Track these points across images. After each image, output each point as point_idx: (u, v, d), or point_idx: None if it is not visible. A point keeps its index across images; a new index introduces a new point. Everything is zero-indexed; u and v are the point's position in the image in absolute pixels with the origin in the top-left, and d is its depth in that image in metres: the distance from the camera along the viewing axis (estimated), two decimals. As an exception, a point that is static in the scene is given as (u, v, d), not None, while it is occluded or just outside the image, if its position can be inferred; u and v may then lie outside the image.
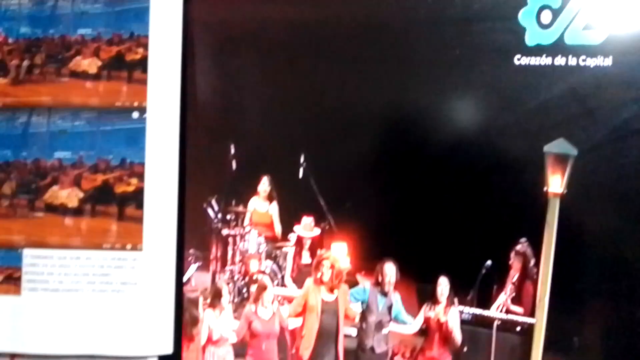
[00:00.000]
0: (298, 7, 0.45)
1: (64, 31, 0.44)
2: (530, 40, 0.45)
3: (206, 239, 0.45)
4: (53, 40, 0.45)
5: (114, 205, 0.43)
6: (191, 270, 0.44)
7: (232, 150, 0.45)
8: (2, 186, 0.44)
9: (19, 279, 0.44)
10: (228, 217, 0.45)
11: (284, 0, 0.45)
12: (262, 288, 0.45)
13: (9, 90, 0.45)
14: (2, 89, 0.45)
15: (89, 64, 0.44)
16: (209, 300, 0.44)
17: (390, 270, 0.43)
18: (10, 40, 0.46)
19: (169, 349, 0.43)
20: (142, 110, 0.43)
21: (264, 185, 0.45)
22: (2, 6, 0.46)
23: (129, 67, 0.44)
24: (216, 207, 0.46)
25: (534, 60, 0.45)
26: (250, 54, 0.45)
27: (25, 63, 0.45)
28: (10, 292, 0.43)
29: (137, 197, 0.43)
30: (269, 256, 0.45)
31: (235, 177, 0.45)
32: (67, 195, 0.43)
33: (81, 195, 0.43)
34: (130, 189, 0.43)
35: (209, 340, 0.44)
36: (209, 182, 0.45)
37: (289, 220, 0.45)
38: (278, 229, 0.45)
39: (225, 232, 0.45)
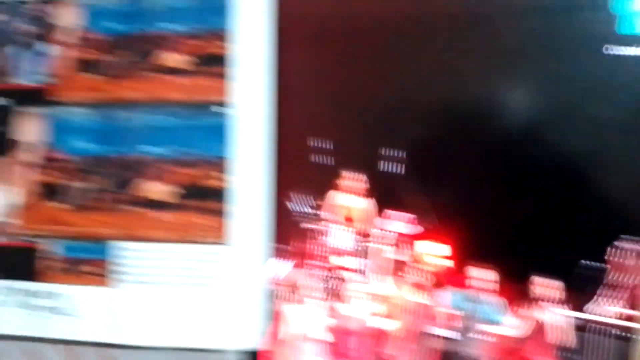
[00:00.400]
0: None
1: (150, 27, 0.45)
2: (622, 29, 0.44)
3: (293, 233, 0.45)
4: (140, 36, 0.46)
5: (202, 199, 0.44)
6: (277, 265, 0.44)
7: (323, 144, 0.45)
8: (91, 180, 0.45)
9: (107, 271, 0.45)
10: (315, 211, 0.45)
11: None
12: (349, 285, 0.44)
13: (99, 86, 0.46)
14: (93, 85, 0.46)
15: (175, 59, 0.45)
16: (294, 296, 0.44)
17: (486, 273, 0.41)
18: (100, 37, 0.47)
19: (255, 343, 0.44)
20: (230, 105, 0.44)
21: (355, 179, 0.45)
22: (92, 4, 0.47)
23: (216, 62, 0.44)
24: (304, 202, 0.46)
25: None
26: (340, 47, 0.45)
27: (114, 59, 0.46)
28: (99, 283, 0.45)
29: (224, 192, 0.44)
30: (357, 252, 0.44)
31: (324, 171, 0.45)
32: (155, 189, 0.44)
33: (169, 189, 0.44)
34: (218, 183, 0.44)
35: (294, 335, 0.44)
36: (298, 176, 0.45)
37: (380, 216, 0.44)
38: (369, 225, 0.44)
39: (312, 226, 0.45)
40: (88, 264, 0.45)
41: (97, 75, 0.46)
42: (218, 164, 0.44)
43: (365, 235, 0.46)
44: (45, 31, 0.47)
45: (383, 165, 0.46)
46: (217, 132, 0.44)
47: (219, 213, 0.44)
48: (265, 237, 0.43)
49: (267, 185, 0.43)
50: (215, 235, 0.44)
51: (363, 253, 0.47)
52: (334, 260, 0.47)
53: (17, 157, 0.47)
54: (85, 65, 0.46)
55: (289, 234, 0.47)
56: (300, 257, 0.48)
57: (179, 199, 0.44)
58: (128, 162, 0.45)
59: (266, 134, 0.43)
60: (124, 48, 0.46)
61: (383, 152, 0.45)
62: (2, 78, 0.48)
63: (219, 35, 0.44)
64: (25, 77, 0.47)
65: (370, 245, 0.46)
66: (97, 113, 0.46)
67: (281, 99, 0.44)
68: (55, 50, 0.46)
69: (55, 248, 0.46)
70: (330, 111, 0.47)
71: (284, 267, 0.46)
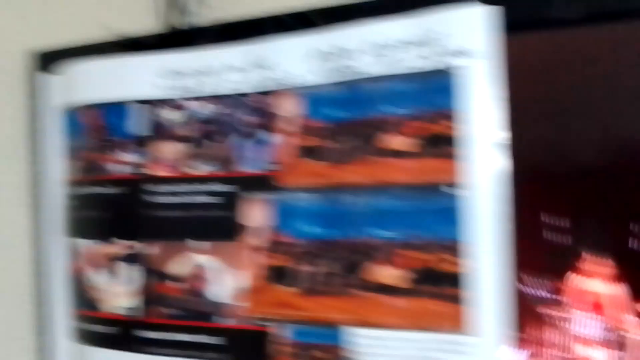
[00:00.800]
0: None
1: (371, 111, 0.46)
2: None
3: (529, 320, 0.42)
4: (361, 121, 0.47)
5: (436, 284, 0.42)
6: (514, 355, 0.41)
7: (560, 223, 0.42)
8: (319, 264, 0.46)
9: (339, 357, 0.45)
10: (554, 296, 0.41)
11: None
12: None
13: (323, 172, 0.48)
14: (316, 171, 0.48)
15: (400, 141, 0.46)
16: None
17: None
18: (321, 124, 0.49)
19: None
20: (460, 186, 0.43)
21: (599, 262, 0.41)
22: (311, 93, 0.49)
23: (444, 142, 0.44)
24: (541, 285, 0.43)
25: None
26: (577, 121, 0.43)
27: (336, 145, 0.48)
28: (338, 370, 0.45)
29: (460, 277, 0.42)
30: (609, 344, 0.40)
31: (561, 251, 0.42)
32: (386, 273, 0.44)
33: (401, 273, 0.43)
34: (453, 267, 0.42)
35: None
36: (533, 257, 0.43)
37: (633, 303, 0.40)
38: (621, 312, 0.40)
39: (551, 312, 0.41)
40: (319, 350, 0.46)
41: (320, 161, 0.47)
42: (451, 247, 0.42)
43: (618, 325, 0.42)
44: (267, 121, 0.50)
45: (633, 244, 0.42)
46: (448, 215, 0.43)
47: (455, 299, 0.42)
48: (504, 325, 0.41)
49: (504, 268, 0.41)
50: (453, 324, 0.42)
51: (617, 345, 0.42)
52: (580, 350, 0.43)
53: (245, 241, 0.49)
54: (308, 152, 0.48)
55: (525, 320, 0.44)
56: (539, 346, 0.44)
57: (411, 284, 0.43)
58: (356, 245, 0.45)
59: (500, 215, 0.41)
60: (346, 134, 0.47)
61: (633, 229, 0.41)
62: (228, 166, 0.52)
63: (446, 115, 0.43)
64: (250, 165, 0.50)
65: (628, 335, 0.42)
66: (321, 197, 0.47)
67: (514, 177, 0.42)
68: (277, 138, 0.49)
69: (286, 332, 0.47)
70: (566, 186, 0.45)
71: (521, 357, 0.44)
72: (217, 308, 0.49)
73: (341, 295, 0.45)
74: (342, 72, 0.47)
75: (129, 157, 0.55)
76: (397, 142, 0.45)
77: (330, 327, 0.45)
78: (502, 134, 0.42)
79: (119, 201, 0.54)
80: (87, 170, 0.56)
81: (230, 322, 0.48)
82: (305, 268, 0.47)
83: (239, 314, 0.48)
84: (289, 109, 0.49)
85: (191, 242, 0.51)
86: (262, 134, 0.50)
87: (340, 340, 0.44)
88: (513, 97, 0.42)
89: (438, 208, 0.43)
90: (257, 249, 0.49)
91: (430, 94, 0.44)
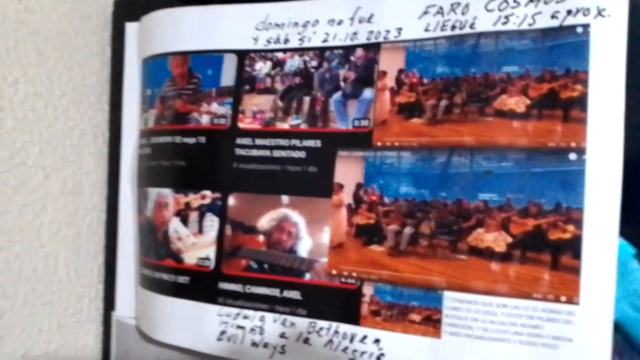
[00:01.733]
0: None
1: (487, 69, 0.43)
2: None
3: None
4: (475, 79, 0.45)
5: (547, 252, 0.40)
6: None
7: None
8: (420, 226, 0.45)
9: (439, 321, 0.43)
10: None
11: None
12: None
13: (425, 130, 0.46)
14: (417, 129, 0.47)
15: (516, 102, 0.44)
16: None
17: None
18: (425, 81, 0.47)
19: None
20: (581, 151, 0.41)
21: None
22: (417, 47, 0.48)
23: (564, 105, 0.42)
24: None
25: None
26: None
27: (444, 103, 0.46)
28: (429, 334, 0.43)
29: (573, 245, 0.40)
30: None
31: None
32: (493, 239, 0.42)
33: (509, 240, 0.41)
34: (567, 236, 0.40)
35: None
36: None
37: None
38: None
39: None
40: (415, 312, 0.44)
41: (422, 120, 0.46)
42: (567, 214, 0.40)
43: None
44: (368, 76, 0.48)
45: None
46: (566, 180, 0.41)
47: (567, 269, 0.40)
48: (611, 295, 0.39)
49: (615, 238, 0.38)
50: (564, 293, 0.40)
51: None
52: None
53: (335, 198, 0.48)
54: (411, 110, 0.47)
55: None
56: None
57: (520, 251, 0.41)
58: (462, 209, 0.43)
59: (618, 182, 0.39)
60: (454, 92, 0.45)
61: None
62: (321, 122, 0.50)
63: (568, 76, 0.41)
64: (345, 121, 0.49)
65: None
66: (420, 156, 0.46)
67: (630, 143, 0.40)
68: (379, 95, 0.48)
69: (380, 293, 0.46)
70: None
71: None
72: (302, 263, 0.47)
73: (441, 259, 0.42)
74: (457, 28, 0.46)
75: (217, 108, 0.54)
76: (514, 102, 0.43)
77: (429, 290, 0.43)
78: (624, 100, 0.40)
79: (204, 151, 0.53)
80: (174, 119, 0.55)
81: (316, 279, 0.47)
82: (401, 229, 0.45)
83: (325, 271, 0.47)
84: (393, 64, 0.48)
85: (278, 197, 0.49)
86: (361, 90, 0.49)
87: (439, 304, 0.43)
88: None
89: (553, 172, 0.41)
90: (347, 207, 0.48)
91: (555, 53, 0.42)
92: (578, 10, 0.42)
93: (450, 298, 0.42)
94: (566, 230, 0.40)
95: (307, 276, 0.48)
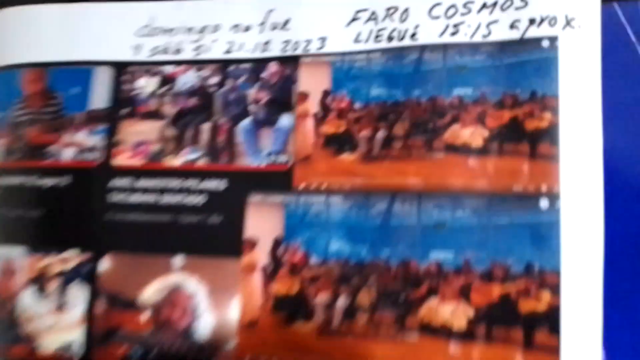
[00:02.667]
0: None
1: (434, 92, 0.34)
2: None
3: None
4: (419, 104, 0.36)
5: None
6: None
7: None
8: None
9: None
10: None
11: None
12: None
13: (360, 169, 0.36)
14: (349, 167, 0.36)
15: (471, 134, 0.35)
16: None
17: None
18: (357, 106, 0.38)
19: None
20: (554, 197, 0.32)
21: None
22: (345, 63, 0.38)
23: (531, 138, 0.33)
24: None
25: None
26: None
27: (381, 134, 0.37)
28: None
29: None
30: None
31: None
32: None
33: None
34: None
35: None
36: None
37: None
38: None
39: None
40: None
41: (355, 155, 0.36)
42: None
43: None
44: (284, 98, 0.39)
45: None
46: (536, 235, 0.33)
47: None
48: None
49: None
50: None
51: None
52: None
53: (250, 260, 0.37)
54: (340, 143, 0.36)
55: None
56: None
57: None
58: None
59: (599, 236, 0.32)
60: (394, 120, 0.37)
61: None
62: (226, 157, 0.39)
63: (534, 102, 0.34)
64: (262, 158, 0.38)
65: None
66: (357, 203, 0.36)
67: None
68: (300, 123, 0.38)
69: None
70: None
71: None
72: (203, 350, 0.36)
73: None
74: (395, 39, 0.37)
75: (85, 138, 0.42)
76: (469, 134, 0.34)
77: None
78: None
79: (67, 197, 0.40)
80: (25, 153, 0.42)
81: None
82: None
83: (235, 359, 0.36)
84: (316, 83, 0.38)
85: (168, 258, 0.38)
86: (277, 115, 0.39)
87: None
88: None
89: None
90: (263, 270, 0.37)
91: (517, 73, 0.34)
92: (543, 20, 0.34)
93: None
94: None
95: None
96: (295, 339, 0.35)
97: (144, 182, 0.40)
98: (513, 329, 0.32)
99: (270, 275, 0.36)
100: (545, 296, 0.32)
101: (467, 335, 0.32)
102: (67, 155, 0.41)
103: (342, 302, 0.35)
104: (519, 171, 0.33)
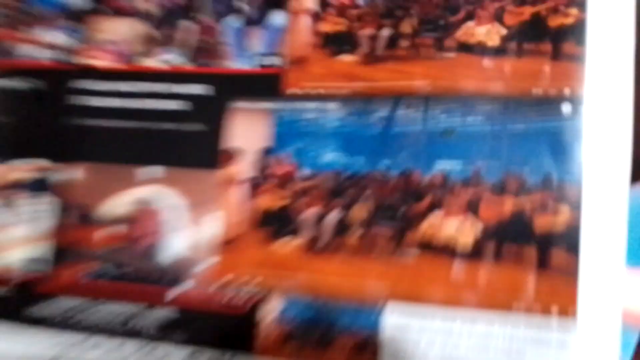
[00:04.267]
0: None
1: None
2: None
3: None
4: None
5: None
6: None
7: None
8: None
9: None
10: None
11: None
12: None
13: (360, 72, 0.32)
14: (349, 70, 0.32)
15: (487, 32, 0.31)
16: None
17: None
18: (360, 1, 0.34)
19: None
20: (577, 101, 0.29)
21: None
22: None
23: (554, 36, 0.29)
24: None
25: None
26: None
27: (385, 32, 0.32)
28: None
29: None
30: None
31: None
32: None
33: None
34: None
35: None
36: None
37: None
38: None
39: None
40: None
41: (356, 56, 0.32)
42: (557, 190, 0.29)
43: None
44: None
45: None
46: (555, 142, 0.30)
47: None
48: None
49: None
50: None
51: None
52: None
53: (233, 172, 0.34)
54: (340, 43, 0.32)
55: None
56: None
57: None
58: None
59: (627, 141, 0.28)
60: (402, 17, 0.32)
61: None
62: (209, 59, 0.35)
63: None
64: (251, 60, 0.34)
65: None
66: (356, 110, 0.32)
67: None
68: (295, 21, 0.34)
69: (293, 307, 0.32)
70: None
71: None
72: (178, 269, 0.33)
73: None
74: None
75: (54, 36, 0.38)
76: (484, 33, 0.30)
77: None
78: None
79: (33, 101, 0.36)
80: None
81: (198, 291, 0.32)
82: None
83: (213, 279, 0.33)
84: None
85: (140, 168, 0.34)
86: (268, 12, 0.35)
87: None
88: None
89: (538, 131, 0.30)
90: (248, 183, 0.34)
91: None
92: None
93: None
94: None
95: (185, 286, 0.34)
96: (281, 257, 0.32)
97: (118, 85, 0.36)
98: (526, 247, 0.28)
99: (255, 188, 0.33)
100: (564, 212, 0.28)
101: (473, 255, 0.29)
102: (35, 55, 0.38)
103: (333, 216, 0.31)
104: (540, 73, 0.29)
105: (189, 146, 0.34)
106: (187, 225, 0.33)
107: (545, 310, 0.28)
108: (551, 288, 0.28)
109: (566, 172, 0.28)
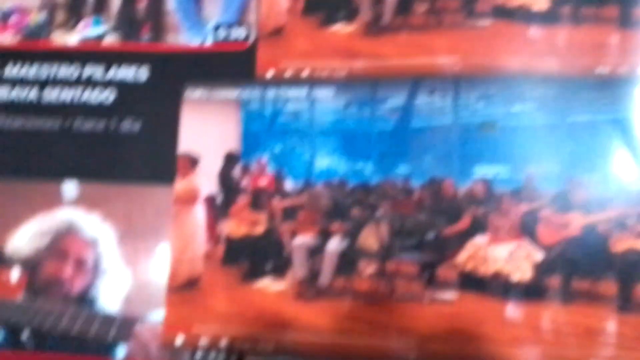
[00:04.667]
0: None
1: None
2: None
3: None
4: None
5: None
6: None
7: None
8: None
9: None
10: None
11: None
12: None
13: (362, 47, 0.24)
14: (346, 45, 0.24)
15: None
16: None
17: None
18: None
19: None
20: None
21: None
22: None
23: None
24: None
25: None
26: None
27: None
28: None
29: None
30: None
31: None
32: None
33: None
34: None
35: None
36: None
37: None
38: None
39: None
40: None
41: (354, 26, 0.24)
42: None
43: None
44: None
45: None
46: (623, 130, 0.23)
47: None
48: None
49: None
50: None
51: None
52: None
53: (188, 187, 0.25)
54: (331, 8, 0.25)
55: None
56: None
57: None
58: None
59: None
60: None
61: None
62: (163, 35, 0.26)
63: None
64: (206, 33, 0.26)
65: None
66: (359, 99, 0.24)
67: None
68: None
69: None
70: None
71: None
72: (111, 325, 0.23)
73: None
74: None
75: None
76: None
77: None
78: None
79: None
80: None
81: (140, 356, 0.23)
82: None
83: (158, 338, 0.23)
84: None
85: (55, 184, 0.25)
86: None
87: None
88: None
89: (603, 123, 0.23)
90: (207, 203, 0.25)
91: None
92: None
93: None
94: None
95: (122, 353, 0.24)
96: (262, 307, 0.23)
97: (17, 69, 0.27)
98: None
99: (218, 210, 0.25)
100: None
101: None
102: None
103: (334, 246, 0.23)
104: (604, 46, 0.23)
105: (120, 153, 0.25)
106: (120, 265, 0.24)
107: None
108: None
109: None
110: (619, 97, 0.23)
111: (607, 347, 0.22)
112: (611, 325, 0.22)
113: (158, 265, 0.24)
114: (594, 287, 0.22)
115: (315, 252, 0.24)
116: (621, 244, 0.22)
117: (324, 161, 0.24)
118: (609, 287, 0.23)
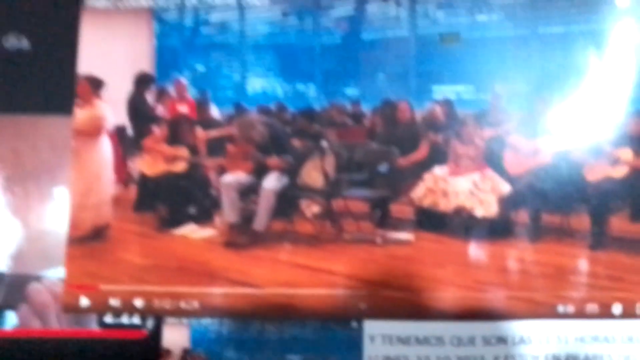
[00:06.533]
0: None
1: None
2: None
3: None
4: None
5: None
6: None
7: None
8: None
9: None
10: None
11: None
12: None
13: None
14: None
15: None
16: None
17: None
18: None
19: None
20: None
21: None
22: None
23: None
24: None
25: None
26: None
27: None
28: None
29: None
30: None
31: None
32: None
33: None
34: None
35: None
36: None
37: None
38: None
39: None
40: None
41: None
42: None
43: None
44: None
45: None
46: None
47: None
48: None
49: None
50: None
51: None
52: None
53: None
54: None
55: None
56: None
57: None
58: None
59: None
60: None
61: None
62: None
63: None
64: None
65: None
66: None
67: None
68: None
69: None
70: None
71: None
72: None
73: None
74: None
75: None
76: None
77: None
78: None
79: None
80: None
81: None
82: None
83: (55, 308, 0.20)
84: None
85: None
86: None
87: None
88: None
89: None
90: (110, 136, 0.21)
91: None
92: None
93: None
94: None
95: (12, 319, 0.20)
96: (177, 260, 0.20)
97: None
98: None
99: (129, 144, 0.21)
100: None
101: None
102: None
103: (271, 184, 0.20)
104: None
105: (4, 76, 0.20)
106: (6, 214, 0.20)
107: None
108: None
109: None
110: (594, 6, 0.21)
111: (578, 288, 0.20)
112: (583, 263, 0.21)
113: (55, 213, 0.21)
114: (565, 222, 0.21)
115: (248, 191, 0.21)
116: (595, 172, 0.21)
117: (257, 83, 0.21)
118: (581, 221, 0.21)
